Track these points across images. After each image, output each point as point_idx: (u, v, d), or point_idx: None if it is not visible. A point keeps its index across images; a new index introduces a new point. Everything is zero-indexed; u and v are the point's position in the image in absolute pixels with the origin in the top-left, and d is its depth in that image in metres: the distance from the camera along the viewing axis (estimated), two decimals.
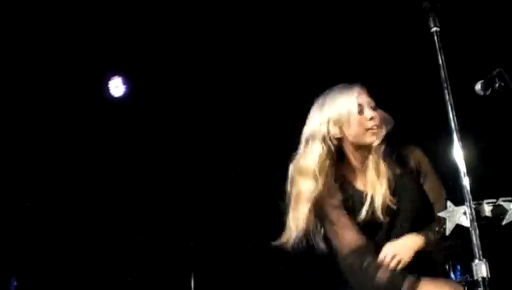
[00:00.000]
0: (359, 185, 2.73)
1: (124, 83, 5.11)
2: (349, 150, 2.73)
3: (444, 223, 2.10)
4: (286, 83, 4.72)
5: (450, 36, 2.23)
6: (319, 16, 4.53)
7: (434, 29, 2.15)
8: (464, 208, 2.01)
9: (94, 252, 4.97)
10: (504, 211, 2.09)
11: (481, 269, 1.91)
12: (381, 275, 2.51)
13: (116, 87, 5.11)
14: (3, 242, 4.84)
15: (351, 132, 2.68)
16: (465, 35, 4.02)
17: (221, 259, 4.85)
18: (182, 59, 4.88)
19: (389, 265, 2.52)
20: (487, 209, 2.09)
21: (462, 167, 2.02)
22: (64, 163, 5.04)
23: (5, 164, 4.91)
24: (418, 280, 2.49)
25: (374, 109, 2.70)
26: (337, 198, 2.69)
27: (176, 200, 4.95)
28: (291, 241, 2.70)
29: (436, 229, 2.17)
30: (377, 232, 2.65)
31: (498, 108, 3.26)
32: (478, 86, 2.32)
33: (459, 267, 3.83)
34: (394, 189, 2.67)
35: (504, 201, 2.11)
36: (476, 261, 1.93)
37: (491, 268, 1.93)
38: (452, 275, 3.78)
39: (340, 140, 2.71)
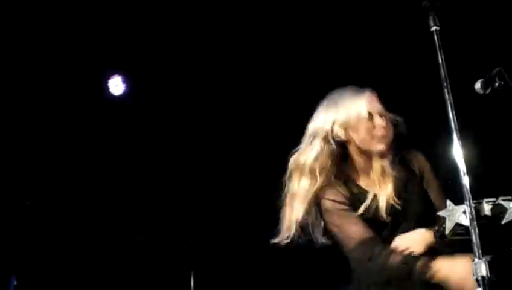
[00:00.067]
0: (363, 184, 2.73)
1: (124, 81, 5.10)
2: (354, 152, 2.73)
3: (444, 222, 2.10)
4: (283, 79, 4.72)
5: (449, 35, 2.23)
6: (317, 14, 4.53)
7: (434, 28, 2.15)
8: (464, 207, 2.02)
9: (93, 251, 4.97)
10: (504, 210, 2.09)
11: (481, 268, 1.92)
12: (393, 259, 2.50)
13: (116, 86, 5.10)
14: (3, 241, 4.84)
15: (358, 137, 2.68)
16: (465, 34, 4.02)
17: (221, 258, 4.85)
18: (181, 58, 4.88)
19: (401, 250, 2.51)
20: (487, 208, 2.09)
21: (462, 166, 2.02)
22: (63, 161, 5.03)
23: (3, 162, 4.91)
24: (431, 259, 2.46)
25: (383, 115, 2.71)
26: (340, 194, 2.69)
27: (176, 199, 4.95)
28: (288, 236, 2.70)
29: (436, 228, 2.17)
30: (381, 231, 2.65)
31: (498, 107, 3.26)
32: (478, 85, 2.32)
33: None
34: (399, 191, 2.67)
35: (504, 200, 2.11)
36: (476, 260, 1.93)
37: (491, 268, 1.93)
38: None
39: (345, 142, 2.71)
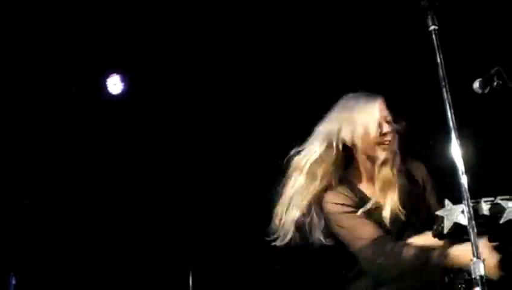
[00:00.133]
0: (366, 190, 2.74)
1: (122, 80, 5.10)
2: (359, 157, 2.73)
3: (442, 221, 2.10)
4: (282, 78, 4.72)
5: (448, 34, 2.23)
6: (316, 14, 4.53)
7: (432, 27, 2.15)
8: (462, 206, 2.02)
9: (92, 250, 4.96)
10: (502, 210, 2.09)
11: (479, 268, 1.92)
12: (407, 252, 2.50)
13: (114, 84, 5.10)
14: (2, 240, 4.84)
15: (364, 144, 2.69)
16: (463, 33, 4.02)
17: (220, 257, 4.85)
18: (180, 57, 4.88)
19: (414, 244, 2.50)
20: (485, 207, 2.09)
21: (460, 165, 2.02)
22: (62, 161, 5.03)
23: (2, 162, 4.91)
24: (446, 246, 2.43)
25: (390, 122, 2.71)
26: (346, 197, 2.69)
27: (175, 198, 4.94)
28: (285, 235, 2.70)
29: (434, 227, 2.17)
30: None
31: (496, 106, 3.26)
32: (476, 85, 2.32)
33: None
34: (404, 200, 2.67)
35: (502, 199, 2.11)
36: (474, 259, 1.93)
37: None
38: None
39: (350, 147, 2.71)
